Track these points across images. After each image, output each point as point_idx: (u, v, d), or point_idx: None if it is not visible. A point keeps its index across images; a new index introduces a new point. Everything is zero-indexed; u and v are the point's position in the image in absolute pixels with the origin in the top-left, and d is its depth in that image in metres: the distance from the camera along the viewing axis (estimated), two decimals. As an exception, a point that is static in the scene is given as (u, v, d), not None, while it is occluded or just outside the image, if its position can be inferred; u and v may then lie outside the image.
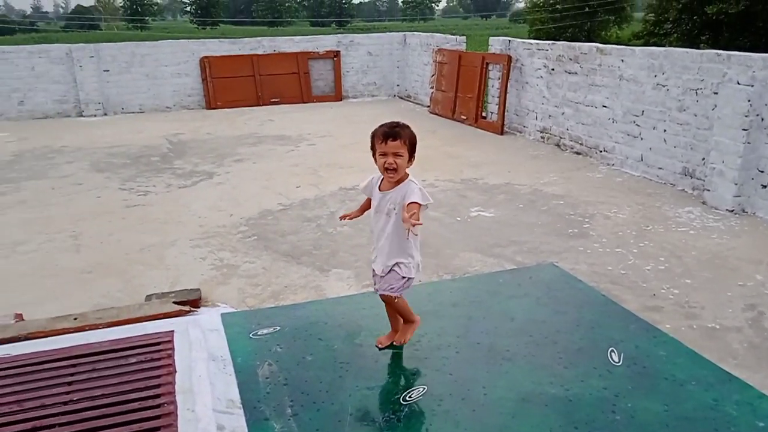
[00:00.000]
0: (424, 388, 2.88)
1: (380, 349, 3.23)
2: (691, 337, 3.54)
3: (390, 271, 3.01)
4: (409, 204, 2.80)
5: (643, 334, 3.35)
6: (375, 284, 3.14)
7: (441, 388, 2.88)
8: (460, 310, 3.68)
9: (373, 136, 2.97)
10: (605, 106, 7.50)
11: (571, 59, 8.09)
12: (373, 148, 2.97)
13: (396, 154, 2.87)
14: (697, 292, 4.13)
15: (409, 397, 2.82)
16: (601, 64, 7.53)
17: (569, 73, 8.14)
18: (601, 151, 7.61)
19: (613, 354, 3.14)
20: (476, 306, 3.72)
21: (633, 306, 3.85)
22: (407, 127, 2.96)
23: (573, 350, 3.20)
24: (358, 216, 3.21)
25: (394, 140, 2.87)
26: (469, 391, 2.85)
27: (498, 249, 4.90)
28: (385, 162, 2.89)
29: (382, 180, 3.03)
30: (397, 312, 3.20)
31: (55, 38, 47.56)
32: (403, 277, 3.01)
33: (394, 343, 3.25)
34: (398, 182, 2.95)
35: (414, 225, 2.66)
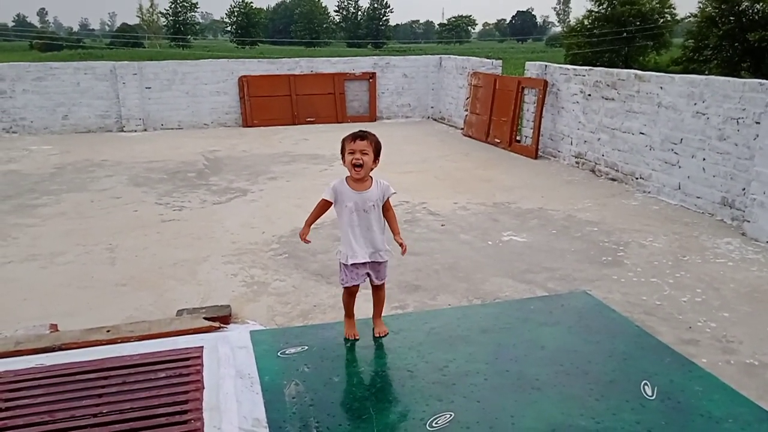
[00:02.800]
0: (451, 415, 2.84)
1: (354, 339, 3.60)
2: (729, 372, 3.43)
3: (381, 261, 3.43)
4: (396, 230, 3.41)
5: (678, 368, 3.26)
6: (351, 278, 3.42)
7: (468, 416, 2.83)
8: (490, 336, 3.63)
9: (344, 140, 3.34)
10: (642, 133, 7.40)
11: (608, 85, 8.02)
12: (342, 150, 3.34)
13: (363, 152, 3.26)
14: (736, 326, 4.01)
15: (436, 423, 2.78)
16: (639, 90, 7.44)
17: (606, 99, 8.07)
18: (637, 178, 7.50)
19: (646, 387, 3.06)
20: (506, 332, 3.67)
21: (668, 338, 3.76)
22: (374, 134, 3.36)
23: (605, 382, 3.12)
24: (308, 232, 3.49)
25: (362, 140, 3.28)
26: (496, 420, 2.80)
27: (530, 275, 4.84)
28: (352, 158, 3.27)
29: (347, 182, 3.38)
30: (382, 297, 3.64)
31: (100, 55, 49.12)
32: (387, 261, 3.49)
33: (378, 334, 3.62)
34: (367, 181, 3.36)
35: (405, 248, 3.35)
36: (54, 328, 3.72)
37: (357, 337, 3.58)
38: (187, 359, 3.18)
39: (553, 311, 3.96)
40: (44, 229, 6.09)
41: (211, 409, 2.76)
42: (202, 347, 3.32)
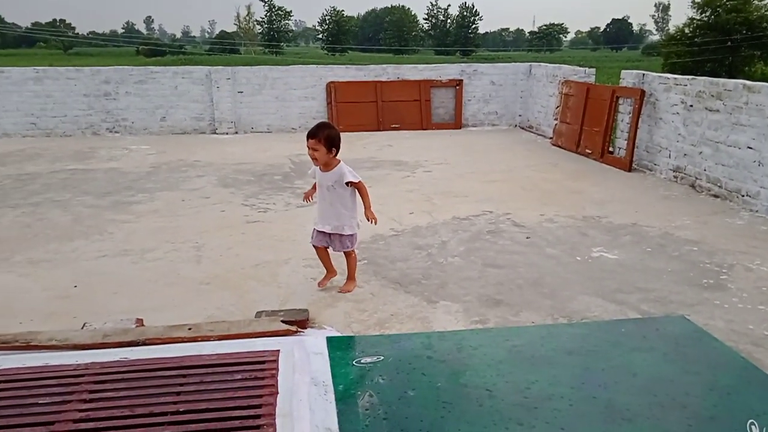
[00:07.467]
0: (532, 441, 2.66)
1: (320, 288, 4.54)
2: None
3: (340, 234, 4.29)
4: (349, 183, 4.18)
5: (790, 408, 2.94)
6: (315, 239, 4.45)
7: (551, 444, 2.65)
8: (576, 358, 3.41)
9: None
10: (750, 148, 6.87)
11: (713, 96, 7.52)
12: None
13: (313, 149, 4.03)
14: None
15: (515, 449, 2.62)
16: (747, 102, 6.92)
17: (710, 110, 7.56)
18: (743, 196, 6.97)
19: (753, 427, 2.76)
20: (594, 356, 3.44)
21: (778, 373, 3.41)
22: (327, 127, 4.09)
23: (705, 417, 2.85)
24: (313, 192, 4.44)
25: (310, 138, 4.02)
26: (582, 451, 2.61)
27: (621, 295, 4.56)
28: (308, 153, 4.12)
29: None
30: (351, 265, 4.58)
31: (199, 60, 51.51)
32: (351, 235, 4.34)
33: (340, 291, 4.50)
34: (331, 165, 4.16)
35: (375, 221, 4.30)
36: (140, 322, 3.80)
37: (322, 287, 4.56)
38: (264, 362, 3.16)
39: (647, 336, 3.67)
40: (137, 226, 6.34)
41: (284, 415, 2.72)
42: (279, 351, 3.29)
